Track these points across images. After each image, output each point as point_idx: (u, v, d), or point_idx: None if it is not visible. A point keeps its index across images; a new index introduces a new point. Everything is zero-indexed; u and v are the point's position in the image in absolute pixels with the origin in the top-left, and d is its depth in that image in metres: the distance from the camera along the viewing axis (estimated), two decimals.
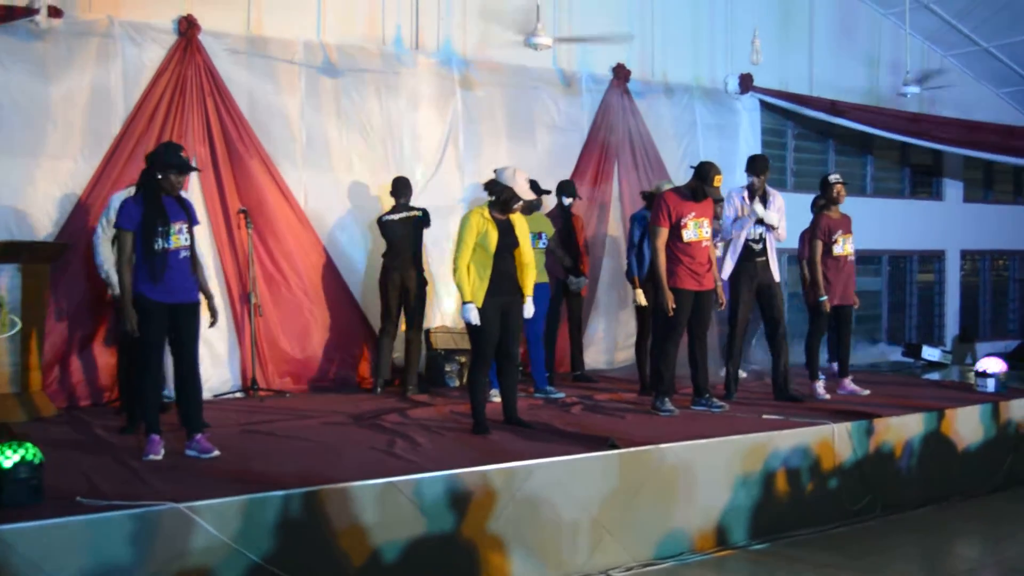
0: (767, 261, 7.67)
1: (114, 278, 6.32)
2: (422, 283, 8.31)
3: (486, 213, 6.26)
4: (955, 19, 12.81)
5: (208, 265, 7.76)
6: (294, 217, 8.55)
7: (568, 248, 8.72)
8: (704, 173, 6.89)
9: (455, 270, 6.25)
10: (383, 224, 8.32)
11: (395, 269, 8.21)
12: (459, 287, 6.25)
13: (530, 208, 7.53)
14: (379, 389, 8.24)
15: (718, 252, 8.69)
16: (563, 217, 8.78)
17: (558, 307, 8.76)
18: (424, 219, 8.36)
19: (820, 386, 7.83)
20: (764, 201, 7.63)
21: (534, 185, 7.52)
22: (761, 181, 7.63)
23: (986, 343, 14.28)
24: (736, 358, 7.82)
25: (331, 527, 4.64)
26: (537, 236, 7.85)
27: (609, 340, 10.48)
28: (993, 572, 5.71)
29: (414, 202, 8.52)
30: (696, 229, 6.93)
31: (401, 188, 8.39)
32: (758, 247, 7.67)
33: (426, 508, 4.89)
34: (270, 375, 8.36)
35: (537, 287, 7.24)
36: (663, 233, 6.92)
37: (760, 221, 7.60)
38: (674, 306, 6.86)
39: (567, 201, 8.80)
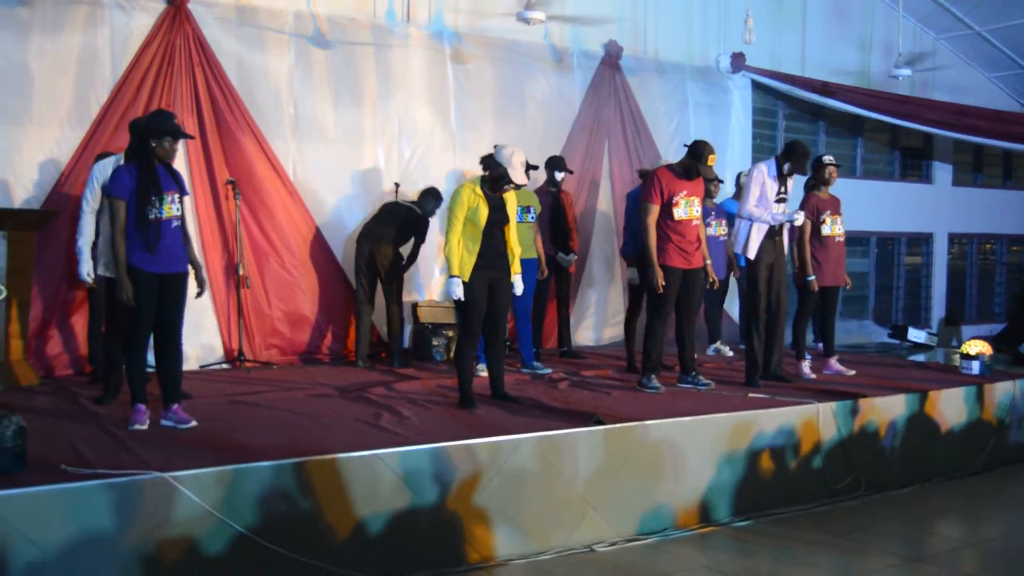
0: (781, 240, 7.56)
1: (85, 254, 6.24)
2: (397, 259, 8.29)
3: (477, 189, 6.24)
4: (948, 2, 12.81)
5: (193, 235, 7.74)
6: (283, 188, 8.51)
7: (557, 224, 8.71)
8: (698, 152, 6.85)
9: (446, 244, 6.24)
10: (387, 204, 8.33)
11: (367, 242, 8.23)
12: (448, 260, 6.23)
13: (520, 186, 7.50)
14: (360, 363, 8.25)
15: (711, 231, 8.71)
16: (553, 193, 8.75)
17: (547, 283, 8.76)
18: (421, 220, 8.36)
19: (806, 366, 7.86)
20: (785, 182, 7.49)
21: (527, 165, 7.51)
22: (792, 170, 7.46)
23: (972, 326, 14.37)
24: (760, 340, 7.50)
25: (316, 498, 4.64)
26: (525, 210, 7.85)
27: (597, 317, 10.50)
28: (974, 552, 5.75)
29: (406, 174, 8.51)
30: (687, 207, 6.92)
31: (427, 195, 8.52)
32: (776, 226, 7.49)
33: (411, 481, 4.89)
34: (257, 347, 8.35)
35: (525, 263, 7.27)
36: (654, 210, 6.90)
37: (781, 208, 7.49)
38: (664, 283, 6.86)
39: (559, 176, 8.77)
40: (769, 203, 7.41)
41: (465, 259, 6.20)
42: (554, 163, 8.82)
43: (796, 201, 7.91)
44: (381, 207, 8.51)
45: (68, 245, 7.40)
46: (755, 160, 11.75)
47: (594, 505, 5.45)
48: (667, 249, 6.92)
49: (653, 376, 7.03)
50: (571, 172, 9.11)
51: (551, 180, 8.77)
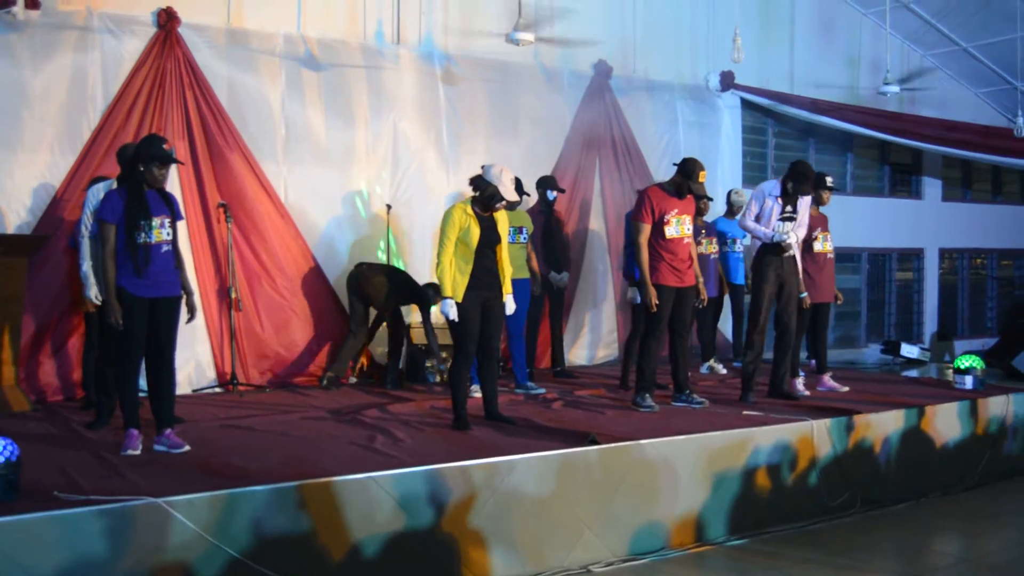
0: (792, 257, 7.53)
1: (91, 277, 6.24)
2: (393, 290, 8.32)
3: (469, 209, 6.25)
4: (935, 19, 12.89)
5: (186, 259, 7.72)
6: (275, 211, 8.51)
7: (551, 244, 8.72)
8: (688, 170, 6.87)
9: (438, 265, 6.24)
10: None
11: (357, 274, 8.34)
12: (440, 282, 6.24)
13: (511, 204, 7.52)
14: (323, 382, 8.30)
15: (701, 249, 8.73)
16: (546, 212, 8.76)
17: (540, 302, 8.76)
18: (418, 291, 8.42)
19: (800, 383, 7.86)
20: (794, 206, 7.48)
21: (517, 185, 7.54)
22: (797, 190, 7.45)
23: (964, 341, 14.40)
24: (756, 358, 7.50)
25: (311, 522, 4.62)
26: (518, 231, 7.85)
27: (590, 336, 10.49)
28: (971, 568, 5.73)
29: (398, 195, 8.51)
30: (678, 226, 6.93)
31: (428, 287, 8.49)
32: (783, 243, 7.45)
33: (406, 503, 4.87)
34: (250, 370, 8.32)
35: (517, 283, 7.29)
36: (646, 229, 6.91)
37: (789, 227, 7.49)
38: (657, 302, 6.86)
39: (551, 195, 8.79)
40: (770, 222, 7.43)
41: (458, 280, 6.20)
42: (546, 183, 8.83)
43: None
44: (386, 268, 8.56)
45: (60, 270, 7.41)
46: (745, 178, 11.83)
47: (590, 525, 5.43)
48: (659, 268, 6.92)
49: (647, 395, 7.02)
50: (563, 191, 9.12)
51: (543, 200, 8.78)
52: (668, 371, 7.35)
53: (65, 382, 7.55)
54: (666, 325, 7.04)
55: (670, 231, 6.91)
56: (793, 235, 7.47)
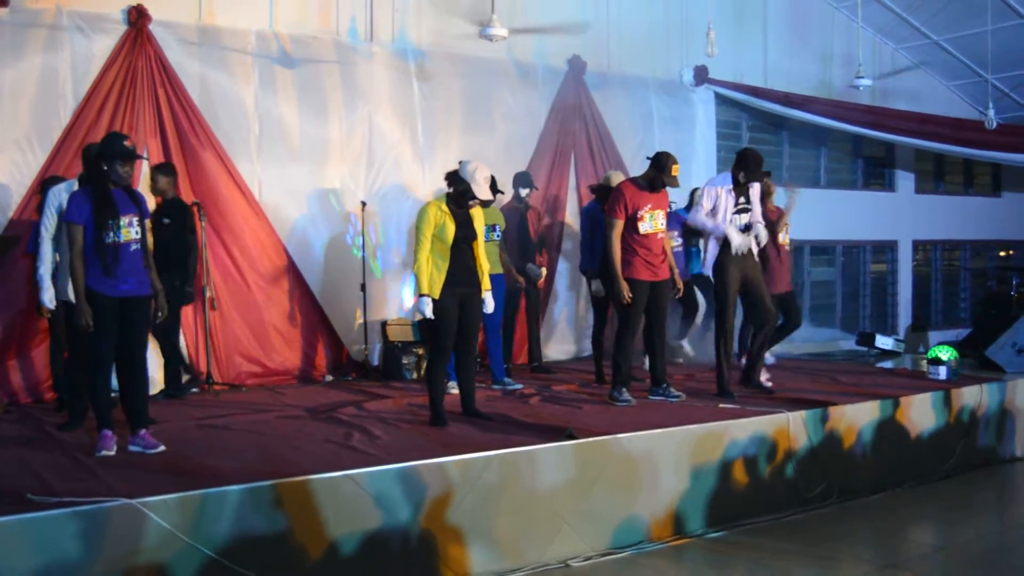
0: (751, 251, 7.44)
1: (46, 281, 6.15)
2: None
3: (443, 205, 6.24)
4: (906, 12, 12.96)
5: None
6: (249, 209, 8.46)
7: (525, 240, 8.72)
8: (662, 163, 6.88)
9: (415, 262, 6.23)
10: None
11: None
12: (416, 279, 6.22)
13: (486, 202, 7.53)
14: None
15: (674, 244, 8.74)
16: (520, 209, 8.76)
17: (516, 298, 8.75)
18: None
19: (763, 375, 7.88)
20: (747, 196, 7.42)
21: (492, 183, 7.53)
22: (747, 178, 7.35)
23: (938, 332, 14.50)
24: (728, 353, 7.44)
25: (287, 521, 4.60)
26: (491, 228, 7.85)
27: (566, 331, 10.49)
28: (946, 556, 5.78)
29: (372, 191, 8.47)
30: (652, 221, 6.94)
31: None
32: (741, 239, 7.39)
33: (383, 500, 4.86)
34: (225, 369, 8.27)
35: (493, 278, 7.27)
36: (619, 225, 6.91)
37: (745, 219, 7.42)
38: (630, 296, 6.87)
39: (523, 192, 8.78)
40: (726, 216, 7.33)
41: (434, 277, 6.19)
42: (519, 180, 8.83)
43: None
44: None
45: (29, 272, 7.32)
46: (720, 172, 11.82)
47: (568, 520, 5.44)
48: (633, 262, 6.93)
49: (624, 389, 7.03)
50: (536, 188, 9.12)
51: (517, 196, 8.77)
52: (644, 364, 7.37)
53: (34, 384, 7.49)
54: (640, 319, 7.05)
55: (644, 226, 6.91)
56: (759, 224, 7.45)
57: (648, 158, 7.10)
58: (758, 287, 7.47)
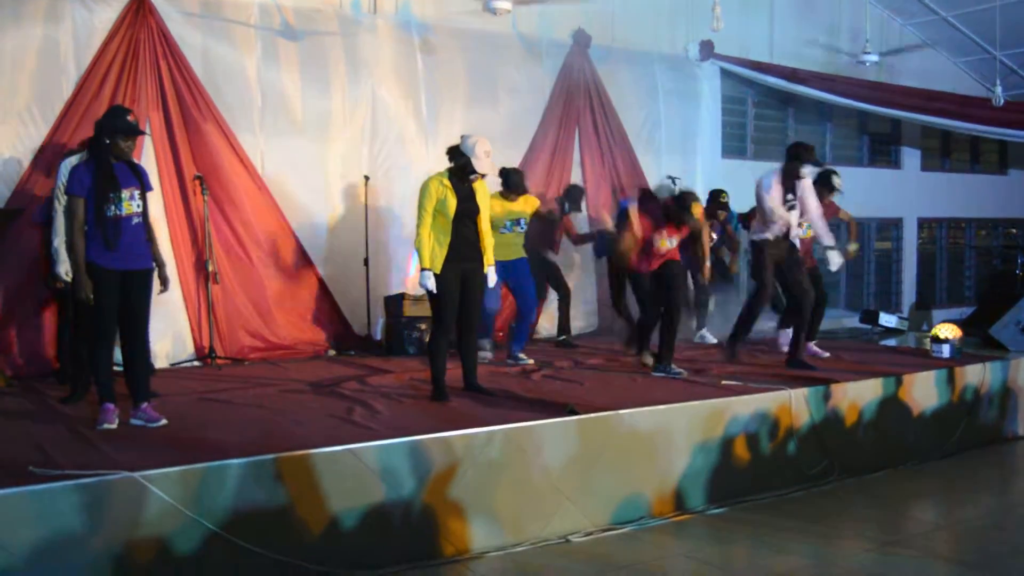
0: (790, 240, 7.62)
1: (62, 254, 6.14)
2: None
3: (445, 180, 6.21)
4: None
5: (162, 232, 7.66)
6: (251, 183, 8.42)
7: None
8: (684, 203, 7.17)
9: (417, 236, 6.21)
10: None
11: None
12: (418, 253, 6.20)
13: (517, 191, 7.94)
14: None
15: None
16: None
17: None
18: None
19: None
20: (793, 190, 7.49)
21: (517, 180, 7.93)
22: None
23: (943, 310, 14.47)
24: (745, 327, 7.78)
25: (289, 495, 4.60)
26: (515, 222, 7.92)
27: (579, 306, 10.42)
28: (948, 534, 5.78)
29: (376, 165, 8.45)
30: (661, 243, 7.27)
31: None
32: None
33: (385, 475, 4.86)
34: (228, 343, 8.27)
35: (517, 262, 7.76)
36: (631, 241, 7.24)
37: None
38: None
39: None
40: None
41: (436, 251, 6.17)
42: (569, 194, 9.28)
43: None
44: None
45: (33, 244, 7.30)
46: (725, 148, 11.83)
47: (569, 495, 5.44)
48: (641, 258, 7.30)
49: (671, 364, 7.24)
50: (580, 211, 9.48)
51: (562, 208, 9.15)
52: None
53: (39, 357, 7.46)
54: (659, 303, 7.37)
55: (655, 246, 7.29)
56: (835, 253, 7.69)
57: (673, 197, 7.46)
58: (792, 267, 7.57)
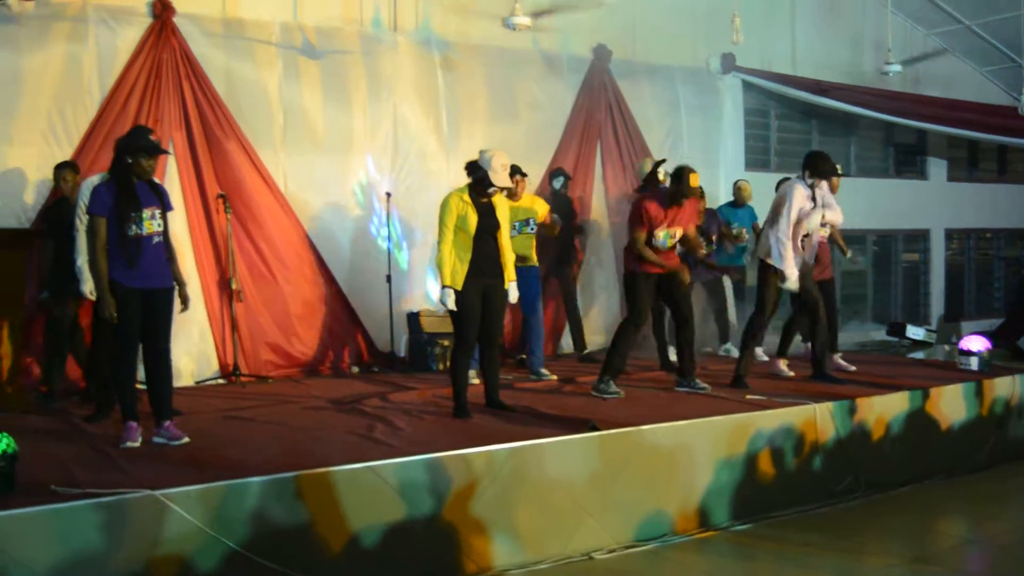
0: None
1: (85, 272, 6.17)
2: None
3: (465, 196, 6.21)
4: None
5: (186, 251, 7.72)
6: (274, 201, 8.47)
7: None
8: (678, 176, 6.95)
9: (438, 253, 6.21)
10: None
11: None
12: (439, 270, 6.20)
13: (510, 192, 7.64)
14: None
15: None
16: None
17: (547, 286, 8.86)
18: None
19: (783, 364, 7.96)
20: (813, 196, 7.41)
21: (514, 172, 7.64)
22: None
23: (972, 322, 14.30)
24: (752, 347, 7.60)
25: (309, 513, 4.60)
26: (524, 223, 7.87)
27: (599, 320, 10.39)
28: (977, 550, 5.70)
29: (398, 182, 8.49)
30: (666, 238, 7.02)
31: None
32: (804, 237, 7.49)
33: (405, 492, 4.85)
34: (252, 361, 8.30)
35: (528, 269, 7.55)
36: (641, 236, 6.99)
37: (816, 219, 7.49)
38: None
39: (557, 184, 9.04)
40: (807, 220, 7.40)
41: (457, 268, 6.16)
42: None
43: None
44: None
45: None
46: (748, 161, 11.77)
47: (591, 512, 5.40)
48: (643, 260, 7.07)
49: (611, 381, 6.99)
50: (570, 177, 9.27)
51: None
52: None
53: (66, 376, 7.50)
54: (647, 312, 7.15)
55: (657, 242, 7.00)
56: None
57: (668, 173, 7.16)
58: (802, 279, 7.45)
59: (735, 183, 9.93)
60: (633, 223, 7.05)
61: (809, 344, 8.14)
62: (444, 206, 6.21)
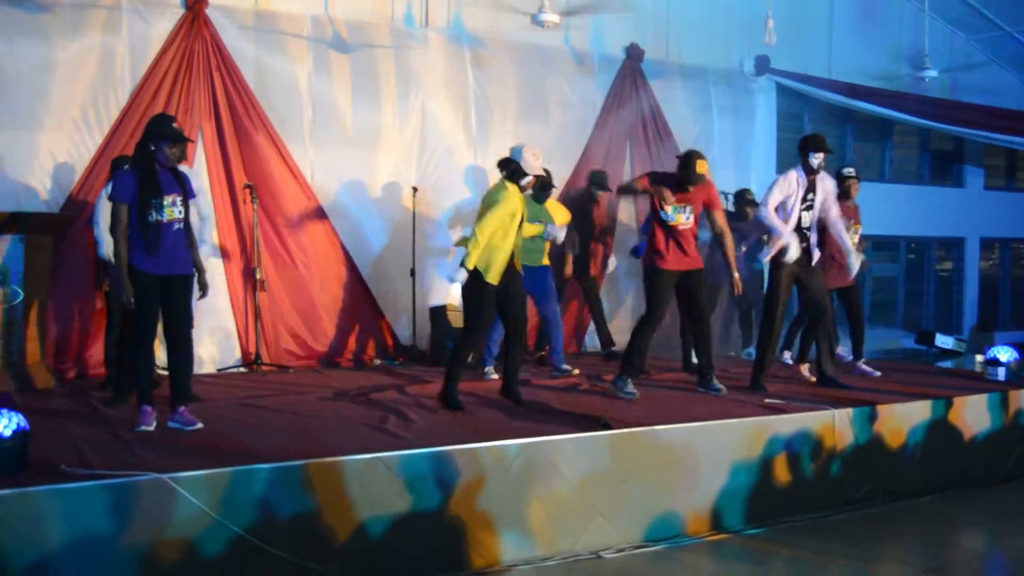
0: (809, 246, 7.31)
1: (105, 235, 6.29)
2: None
3: (519, 193, 6.25)
4: (978, 2, 12.59)
5: (211, 239, 7.77)
6: (300, 193, 8.52)
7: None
8: (685, 161, 6.79)
9: (472, 238, 6.11)
10: None
11: None
12: (468, 254, 6.10)
13: (541, 189, 7.71)
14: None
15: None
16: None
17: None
18: None
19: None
20: (813, 188, 7.25)
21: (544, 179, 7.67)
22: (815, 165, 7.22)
23: (1005, 332, 14.08)
24: (773, 348, 7.47)
25: (316, 501, 4.61)
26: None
27: (625, 320, 10.33)
28: (995, 563, 5.61)
29: (425, 177, 8.50)
30: (676, 214, 6.79)
31: None
32: (805, 231, 7.30)
33: (413, 484, 4.85)
34: (273, 350, 8.35)
35: (538, 269, 7.53)
36: (640, 183, 6.94)
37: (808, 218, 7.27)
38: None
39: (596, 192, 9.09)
40: (792, 212, 7.17)
41: (491, 259, 6.13)
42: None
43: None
44: None
45: (87, 249, 7.46)
46: (780, 165, 11.66)
47: (601, 511, 5.38)
48: (661, 252, 6.89)
49: (629, 380, 6.92)
50: (610, 190, 9.22)
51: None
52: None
53: (91, 360, 7.62)
54: (663, 310, 6.98)
55: (665, 215, 6.81)
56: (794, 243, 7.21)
57: (677, 157, 6.98)
58: (810, 280, 7.34)
59: (739, 191, 9.85)
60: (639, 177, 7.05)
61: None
62: (503, 199, 6.14)
